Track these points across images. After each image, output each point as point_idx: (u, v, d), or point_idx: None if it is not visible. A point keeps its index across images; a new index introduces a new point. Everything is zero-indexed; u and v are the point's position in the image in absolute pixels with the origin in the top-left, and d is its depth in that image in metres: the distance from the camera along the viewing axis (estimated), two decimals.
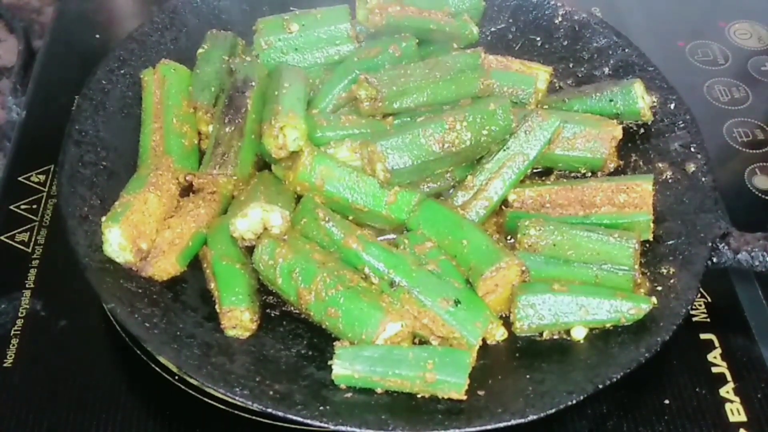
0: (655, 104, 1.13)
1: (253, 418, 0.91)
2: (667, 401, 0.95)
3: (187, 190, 1.04)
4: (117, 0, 1.53)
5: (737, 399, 0.96)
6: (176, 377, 0.94)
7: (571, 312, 0.92)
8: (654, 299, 0.92)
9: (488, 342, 0.93)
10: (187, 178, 1.04)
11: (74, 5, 1.47)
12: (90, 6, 1.48)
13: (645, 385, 0.96)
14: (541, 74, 1.18)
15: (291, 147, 0.99)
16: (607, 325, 0.93)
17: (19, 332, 1.00)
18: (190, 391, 0.94)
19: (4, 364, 0.97)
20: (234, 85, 1.08)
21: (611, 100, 1.12)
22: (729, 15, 1.49)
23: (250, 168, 1.05)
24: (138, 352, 0.96)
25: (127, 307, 0.90)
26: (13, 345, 0.99)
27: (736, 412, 0.95)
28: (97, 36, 1.40)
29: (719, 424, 0.94)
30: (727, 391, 0.97)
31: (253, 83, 1.07)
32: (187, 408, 0.93)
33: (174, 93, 1.10)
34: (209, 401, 0.93)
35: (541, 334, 0.94)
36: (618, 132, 1.08)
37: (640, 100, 1.10)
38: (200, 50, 1.17)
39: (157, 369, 0.95)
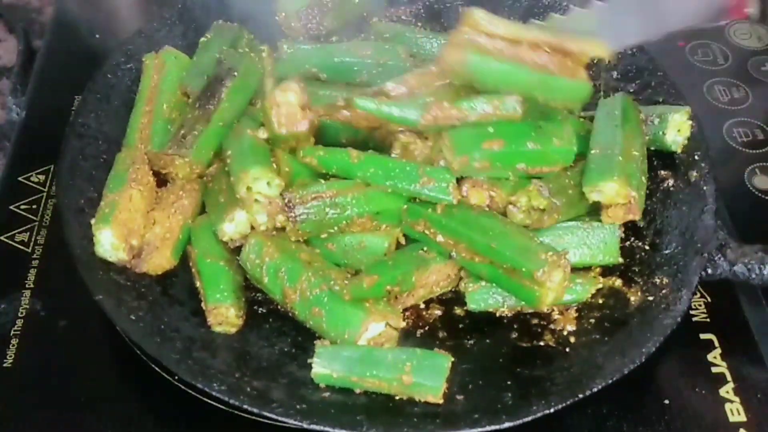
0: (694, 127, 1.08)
1: (254, 419, 0.91)
2: (667, 401, 0.95)
3: (165, 181, 1.03)
4: (117, 0, 1.53)
5: (737, 399, 0.96)
6: (176, 377, 0.94)
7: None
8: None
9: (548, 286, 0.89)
10: (146, 154, 1.02)
11: (74, 5, 1.47)
12: (90, 6, 1.48)
13: (645, 385, 0.96)
14: None
15: (273, 194, 0.95)
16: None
17: (19, 332, 1.00)
18: (190, 392, 0.93)
19: (4, 364, 0.97)
20: (217, 73, 1.06)
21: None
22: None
23: (209, 154, 1.02)
24: (138, 352, 0.96)
25: (113, 300, 0.90)
26: (13, 345, 0.99)
27: (736, 412, 0.95)
28: (97, 36, 1.40)
29: (719, 424, 0.94)
30: (727, 391, 0.97)
31: (236, 74, 1.05)
32: (187, 408, 0.93)
33: (170, 79, 1.10)
34: (209, 402, 0.93)
35: (526, 340, 0.93)
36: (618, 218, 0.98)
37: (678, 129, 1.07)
38: (203, 39, 1.16)
39: (157, 369, 0.95)
